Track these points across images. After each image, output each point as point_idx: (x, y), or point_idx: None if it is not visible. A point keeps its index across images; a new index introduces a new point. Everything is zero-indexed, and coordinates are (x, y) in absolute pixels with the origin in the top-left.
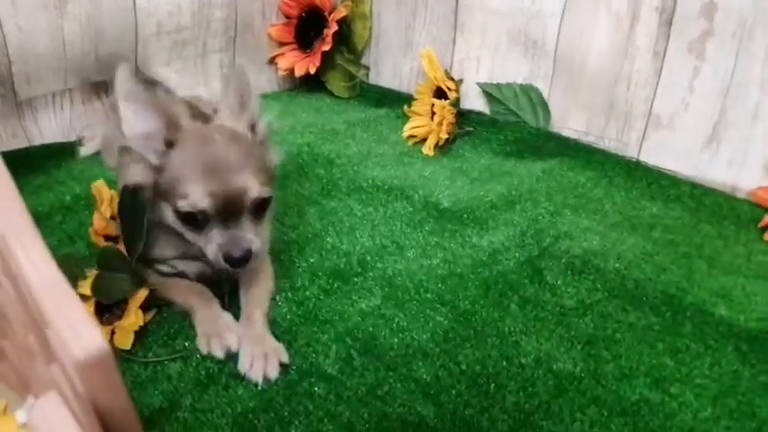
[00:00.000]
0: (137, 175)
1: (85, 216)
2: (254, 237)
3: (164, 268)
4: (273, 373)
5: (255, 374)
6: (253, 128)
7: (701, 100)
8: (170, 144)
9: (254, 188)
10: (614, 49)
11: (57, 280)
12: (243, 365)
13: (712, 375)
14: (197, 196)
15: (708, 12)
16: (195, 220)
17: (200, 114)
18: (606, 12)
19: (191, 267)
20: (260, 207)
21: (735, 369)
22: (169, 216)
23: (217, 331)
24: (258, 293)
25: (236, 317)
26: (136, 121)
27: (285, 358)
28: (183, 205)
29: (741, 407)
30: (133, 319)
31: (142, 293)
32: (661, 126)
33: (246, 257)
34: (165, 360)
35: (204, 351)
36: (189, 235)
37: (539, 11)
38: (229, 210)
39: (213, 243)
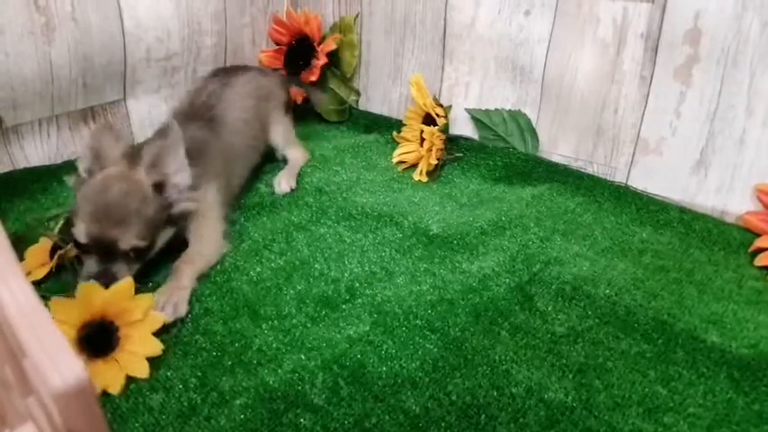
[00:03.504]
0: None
1: None
2: (124, 272)
3: None
4: (167, 317)
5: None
6: (160, 186)
7: (688, 125)
8: (90, 174)
9: (125, 241)
10: (601, 74)
11: (35, 309)
12: (156, 304)
13: (706, 404)
14: (80, 233)
15: (692, 38)
16: (80, 244)
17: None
18: (593, 38)
19: None
20: (134, 252)
21: (728, 397)
22: None
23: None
24: (195, 254)
25: None
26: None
27: (181, 312)
28: (74, 232)
29: None
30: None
31: (158, 319)
32: (649, 151)
33: (109, 284)
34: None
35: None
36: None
37: (526, 38)
38: (104, 251)
39: (86, 269)
